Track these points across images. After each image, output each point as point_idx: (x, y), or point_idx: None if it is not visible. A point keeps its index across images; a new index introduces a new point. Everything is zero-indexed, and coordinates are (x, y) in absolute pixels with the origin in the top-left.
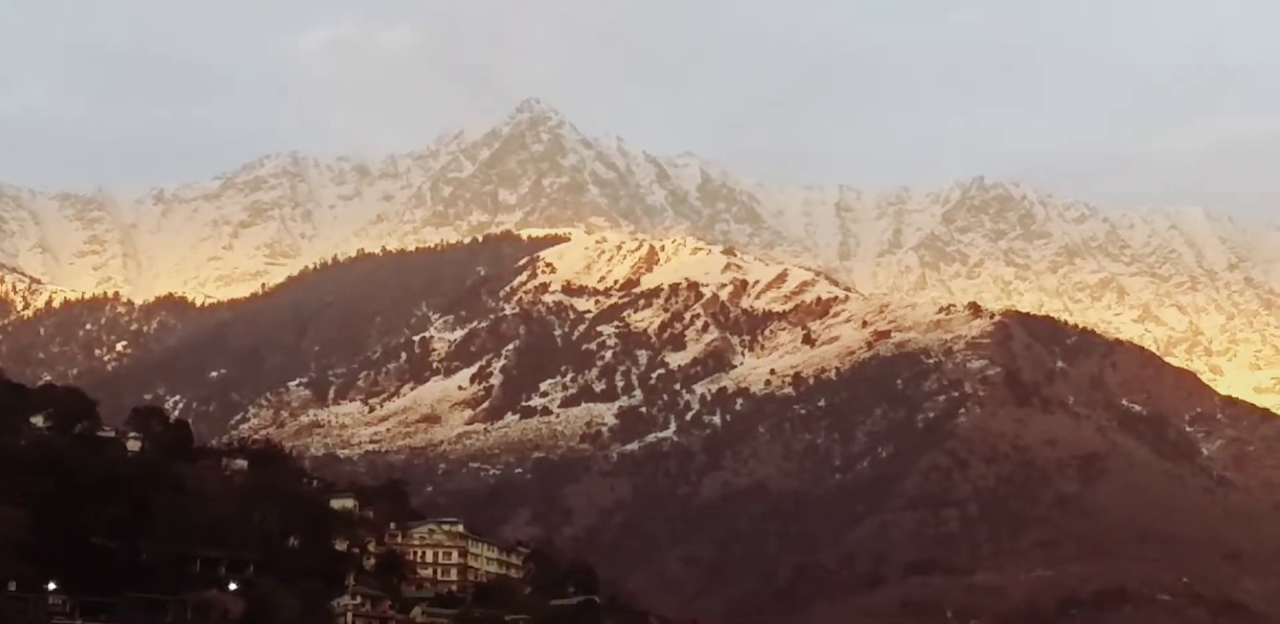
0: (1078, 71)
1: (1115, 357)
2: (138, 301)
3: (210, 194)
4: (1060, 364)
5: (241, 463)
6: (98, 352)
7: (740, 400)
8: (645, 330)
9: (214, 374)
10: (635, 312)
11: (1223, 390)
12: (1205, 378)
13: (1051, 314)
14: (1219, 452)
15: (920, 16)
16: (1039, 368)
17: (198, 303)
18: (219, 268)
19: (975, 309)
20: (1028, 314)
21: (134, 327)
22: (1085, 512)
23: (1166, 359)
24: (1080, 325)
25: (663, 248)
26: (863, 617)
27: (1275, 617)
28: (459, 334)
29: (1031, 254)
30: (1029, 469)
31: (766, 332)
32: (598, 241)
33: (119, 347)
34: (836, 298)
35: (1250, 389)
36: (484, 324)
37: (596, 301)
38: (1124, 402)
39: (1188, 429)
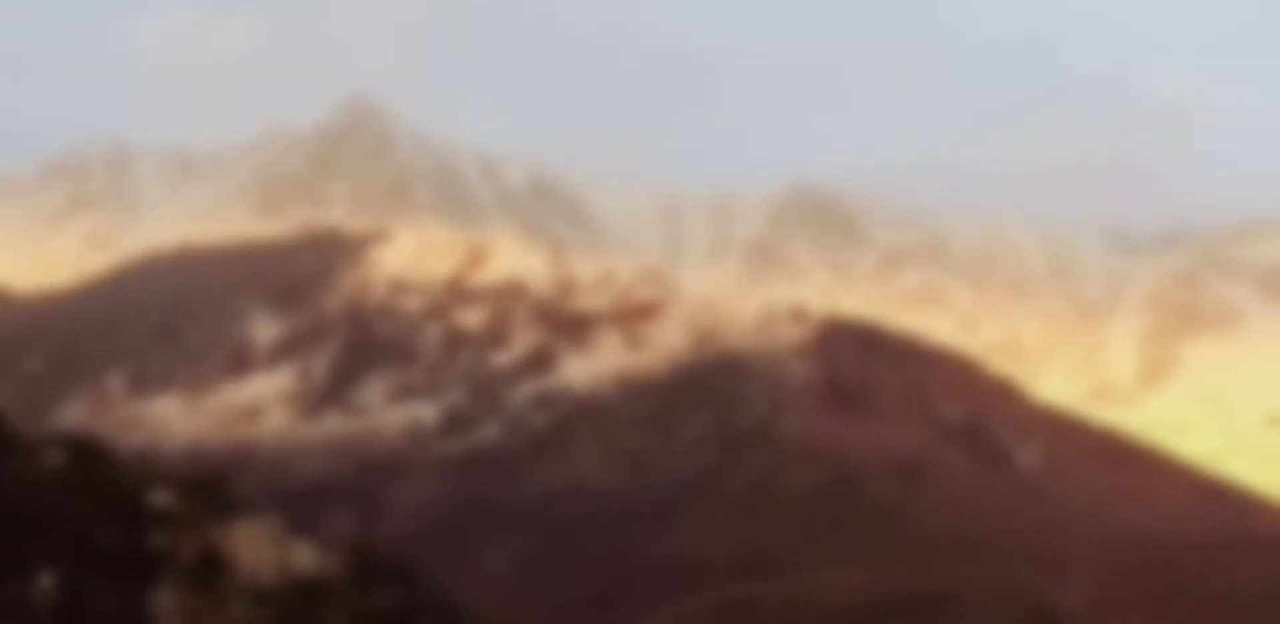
0: (907, 82)
1: (935, 364)
2: None
3: (30, 182)
4: (881, 370)
5: (57, 455)
6: None
7: (563, 401)
8: (470, 329)
9: (31, 366)
10: (460, 310)
11: (1040, 398)
12: (1023, 387)
13: (873, 321)
14: (1035, 459)
15: (754, 21)
16: (860, 374)
17: (15, 293)
18: (37, 258)
19: (798, 314)
20: (850, 320)
21: None
22: (903, 517)
23: (985, 367)
24: (902, 332)
25: (489, 246)
26: (681, 619)
27: (1085, 620)
28: (282, 329)
29: (855, 260)
30: (848, 474)
31: (591, 333)
32: (423, 238)
33: None
34: (661, 300)
35: (1067, 398)
36: (307, 319)
37: (421, 299)
38: (942, 409)
39: (1005, 437)
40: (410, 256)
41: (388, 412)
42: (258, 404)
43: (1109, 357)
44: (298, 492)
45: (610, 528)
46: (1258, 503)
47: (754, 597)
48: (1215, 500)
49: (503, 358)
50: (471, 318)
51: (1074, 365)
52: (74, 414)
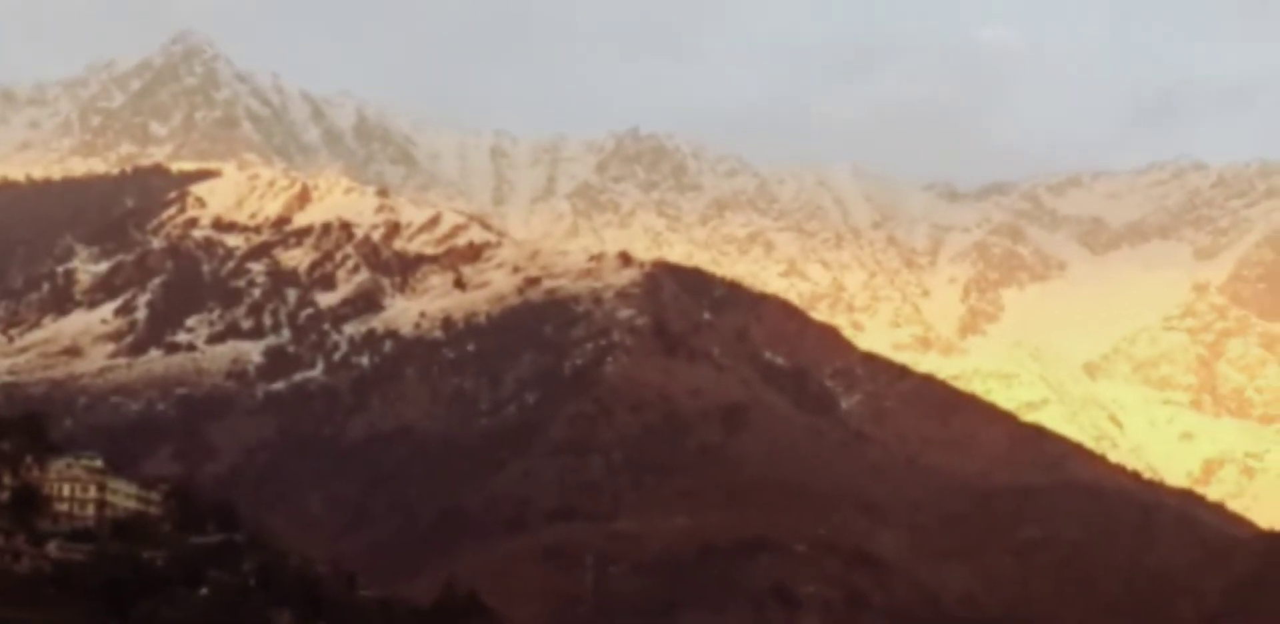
0: (738, 33)
1: (761, 310)
2: None
3: None
4: (707, 316)
5: None
6: None
7: (389, 342)
8: (295, 269)
9: None
10: (286, 250)
11: (863, 346)
12: (847, 333)
13: (700, 266)
14: (857, 406)
15: None
16: (686, 319)
17: None
18: None
19: (625, 259)
20: (677, 265)
21: None
22: (727, 462)
23: (810, 314)
24: (728, 278)
25: (316, 187)
26: (504, 561)
27: (906, 567)
28: (104, 266)
29: (683, 206)
30: (673, 419)
31: (418, 274)
32: (250, 178)
33: None
34: (489, 243)
35: (889, 345)
36: (130, 257)
37: (246, 238)
38: (768, 354)
39: (828, 383)
40: (236, 196)
41: (211, 351)
42: (79, 342)
43: (931, 305)
44: (119, 431)
45: (434, 469)
46: (1074, 450)
47: (577, 539)
48: (1033, 448)
49: (328, 298)
50: (297, 258)
51: (897, 314)
52: None
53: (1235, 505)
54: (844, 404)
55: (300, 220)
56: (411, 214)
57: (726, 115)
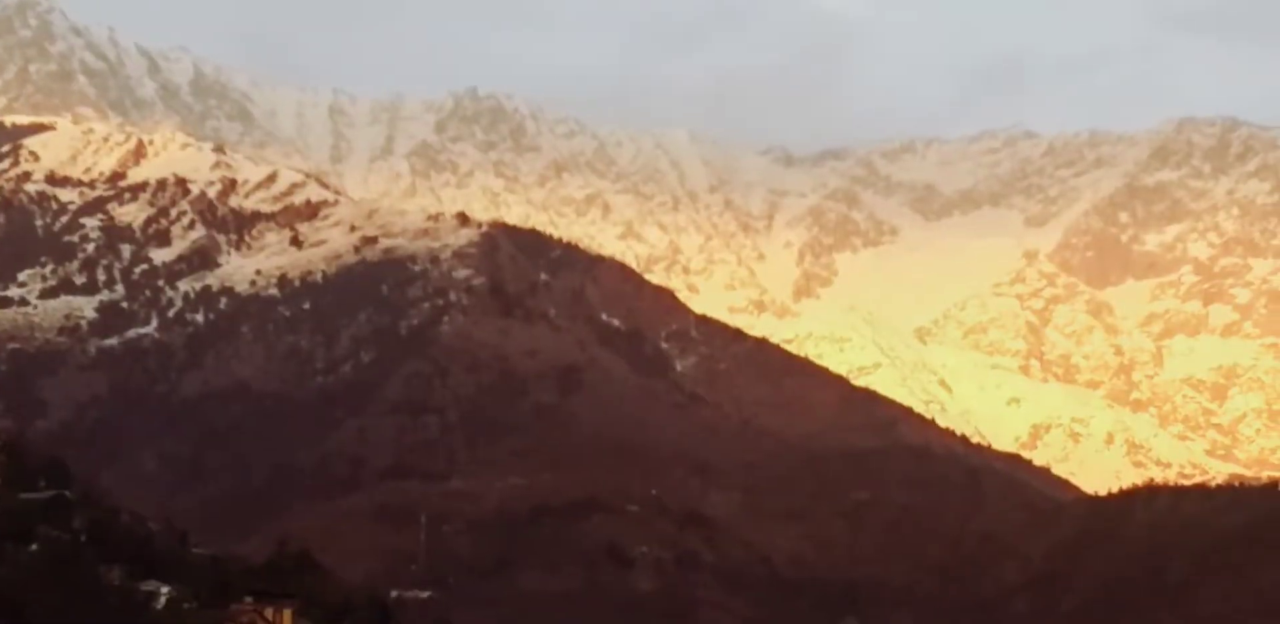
0: None
1: (597, 272)
2: None
3: None
4: (544, 277)
5: None
6: None
7: (224, 299)
8: (130, 225)
9: None
10: (120, 205)
11: (698, 309)
12: (682, 296)
13: (538, 227)
14: (692, 368)
15: None
16: (523, 279)
17: None
18: None
19: (463, 219)
20: (514, 226)
21: None
22: (562, 422)
23: (646, 276)
24: (565, 239)
25: (151, 142)
26: (338, 520)
27: (736, 527)
28: None
29: (521, 167)
30: (509, 379)
31: (254, 231)
32: (84, 132)
33: None
34: (326, 201)
35: (725, 308)
36: None
37: (81, 193)
38: (603, 316)
39: (663, 345)
40: (70, 150)
41: (44, 306)
42: None
43: (767, 269)
44: None
45: (269, 427)
46: (904, 414)
47: (411, 499)
48: (864, 411)
49: (163, 254)
50: (131, 214)
51: (732, 277)
52: None
53: (1060, 469)
54: (679, 366)
55: (135, 176)
56: (248, 171)
57: (566, 77)
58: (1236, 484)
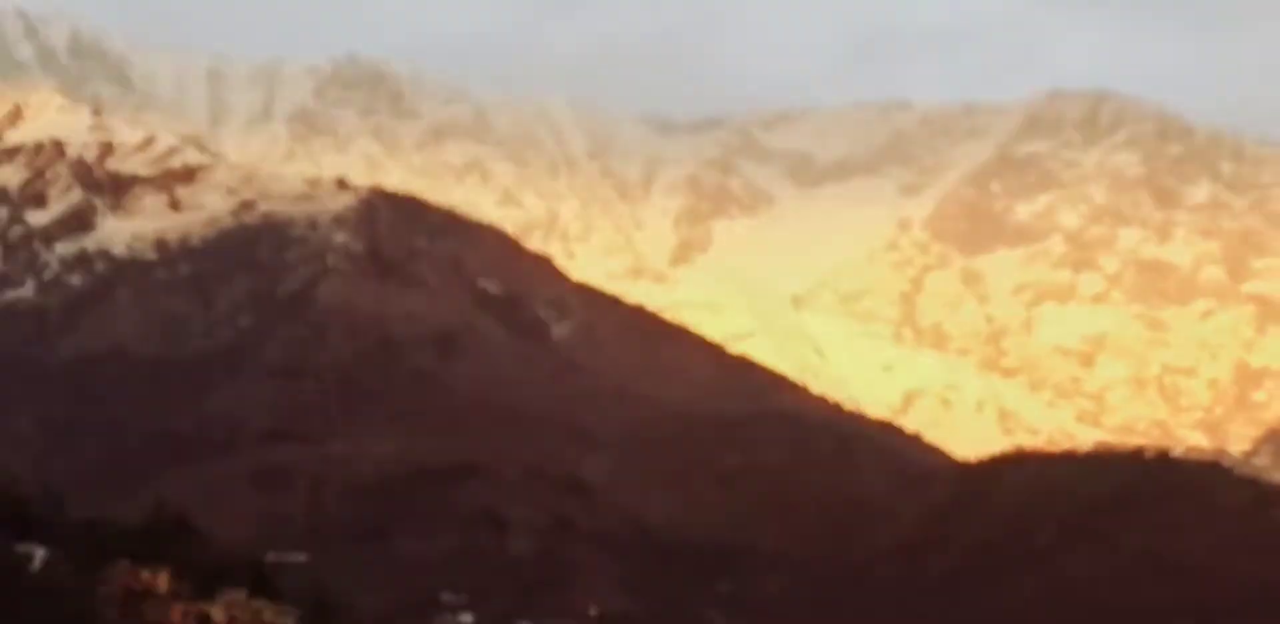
0: None
1: (476, 237)
2: None
3: None
4: (422, 242)
5: None
6: None
7: (101, 263)
8: (5, 187)
9: None
10: None
11: (576, 275)
12: (560, 262)
13: (416, 193)
14: (569, 334)
15: None
16: (401, 245)
17: None
18: None
19: (342, 184)
20: (393, 192)
21: None
22: (439, 387)
23: (524, 242)
24: (444, 205)
25: (28, 105)
26: (215, 483)
27: (613, 492)
28: None
29: (400, 133)
30: (387, 343)
31: (131, 195)
32: None
33: None
34: (204, 165)
35: (602, 275)
36: None
37: None
38: (482, 281)
39: (541, 311)
40: None
41: None
42: None
43: (644, 236)
44: None
45: (145, 390)
46: (779, 381)
47: (288, 463)
48: (739, 378)
49: (40, 217)
50: (8, 176)
51: (610, 243)
52: None
53: (932, 436)
54: (556, 332)
55: (12, 138)
56: (126, 134)
57: (446, 43)
58: (1103, 451)
